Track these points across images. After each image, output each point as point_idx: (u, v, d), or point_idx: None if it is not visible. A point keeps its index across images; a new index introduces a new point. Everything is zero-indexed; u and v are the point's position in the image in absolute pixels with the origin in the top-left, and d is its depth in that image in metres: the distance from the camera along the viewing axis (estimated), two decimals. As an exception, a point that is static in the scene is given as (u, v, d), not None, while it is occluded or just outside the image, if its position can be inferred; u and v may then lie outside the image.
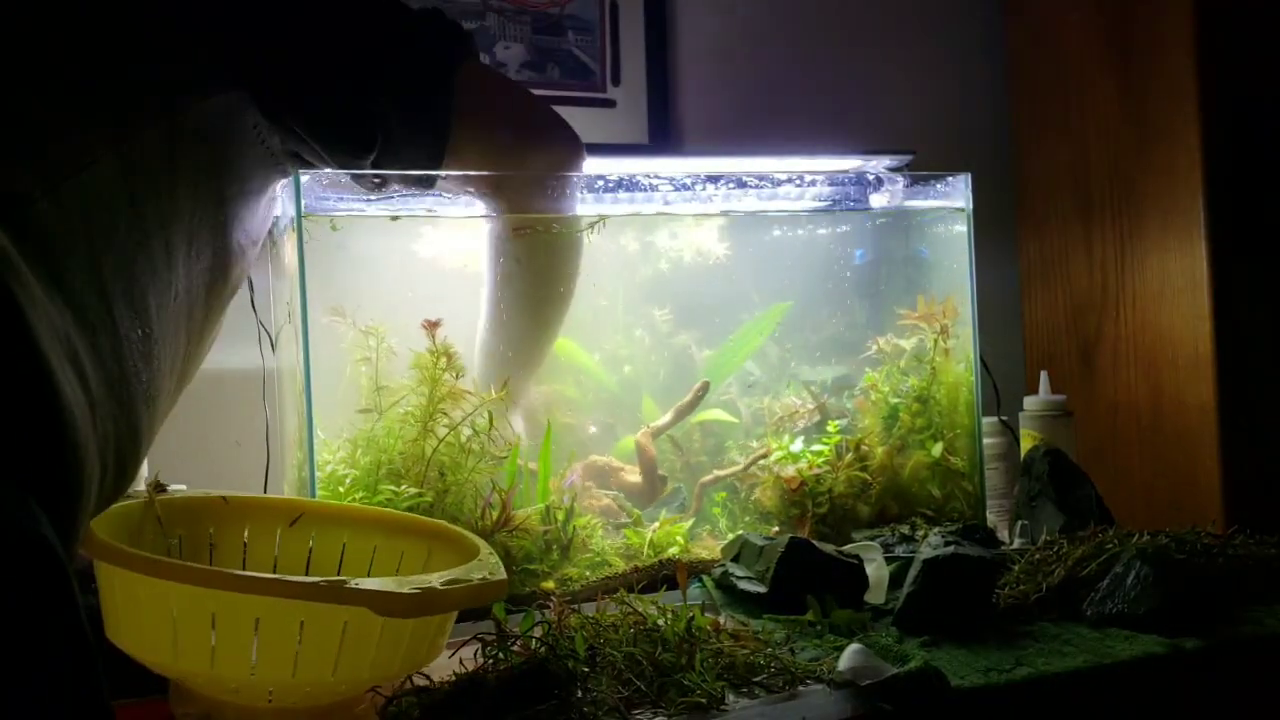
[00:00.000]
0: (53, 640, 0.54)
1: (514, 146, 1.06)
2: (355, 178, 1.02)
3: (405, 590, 0.73)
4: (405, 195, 1.14)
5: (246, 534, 0.94)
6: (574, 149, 1.10)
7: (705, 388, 1.31)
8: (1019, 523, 1.29)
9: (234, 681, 0.76)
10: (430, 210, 1.18)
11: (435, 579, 0.77)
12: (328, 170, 1.08)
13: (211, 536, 0.92)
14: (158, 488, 0.90)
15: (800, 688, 0.86)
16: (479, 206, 1.15)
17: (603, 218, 1.19)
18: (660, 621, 0.92)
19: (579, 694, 0.82)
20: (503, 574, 0.81)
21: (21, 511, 0.55)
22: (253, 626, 0.73)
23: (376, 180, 1.04)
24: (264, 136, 0.88)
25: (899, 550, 1.17)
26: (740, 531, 1.20)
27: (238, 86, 0.83)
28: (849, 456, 1.31)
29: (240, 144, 0.86)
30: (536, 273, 1.16)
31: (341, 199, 1.13)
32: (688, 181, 1.27)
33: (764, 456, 1.30)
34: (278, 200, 1.20)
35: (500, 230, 1.15)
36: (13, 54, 0.68)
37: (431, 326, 1.15)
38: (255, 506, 0.98)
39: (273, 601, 0.74)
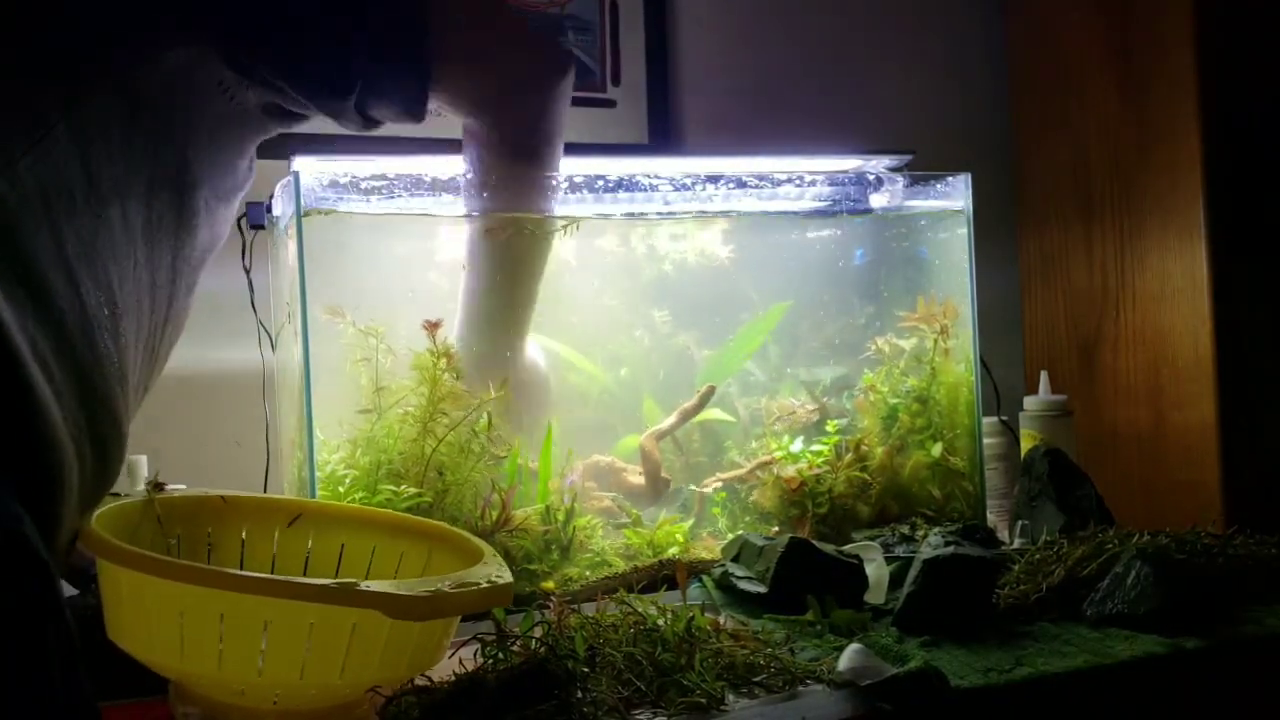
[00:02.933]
0: (37, 641, 0.53)
1: (495, 57, 1.03)
2: (343, 119, 0.95)
3: (417, 593, 0.74)
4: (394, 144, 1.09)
5: (245, 534, 0.94)
6: (559, 55, 1.08)
7: (711, 391, 1.31)
8: (1019, 523, 1.29)
9: (240, 683, 0.76)
10: (426, 211, 1.18)
11: (445, 582, 0.77)
12: (329, 164, 1.07)
13: (210, 536, 0.92)
14: (156, 486, 0.90)
15: (800, 688, 0.86)
16: (470, 204, 1.15)
17: (575, 221, 1.19)
18: (660, 621, 0.92)
19: (579, 694, 0.82)
20: (509, 578, 0.81)
21: (2, 508, 0.54)
22: (261, 628, 0.73)
23: (367, 120, 0.97)
24: (234, 92, 0.84)
25: (899, 550, 1.17)
26: (740, 532, 1.20)
27: (199, 41, 0.79)
28: (849, 457, 1.31)
29: (204, 101, 0.81)
30: (501, 271, 1.16)
31: (342, 198, 1.14)
32: (688, 182, 1.27)
33: (769, 463, 1.30)
34: (277, 199, 1.20)
35: (472, 234, 1.14)
36: None
37: (432, 327, 1.15)
38: (253, 506, 0.97)
39: (283, 603, 0.74)
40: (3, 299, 0.58)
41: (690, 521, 1.27)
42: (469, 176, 1.13)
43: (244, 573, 0.86)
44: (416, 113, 0.96)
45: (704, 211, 1.31)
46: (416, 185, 1.15)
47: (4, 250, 0.60)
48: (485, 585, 0.78)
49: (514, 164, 1.12)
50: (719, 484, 1.31)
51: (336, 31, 0.87)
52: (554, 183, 1.15)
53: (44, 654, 0.53)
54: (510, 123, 1.09)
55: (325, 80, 0.88)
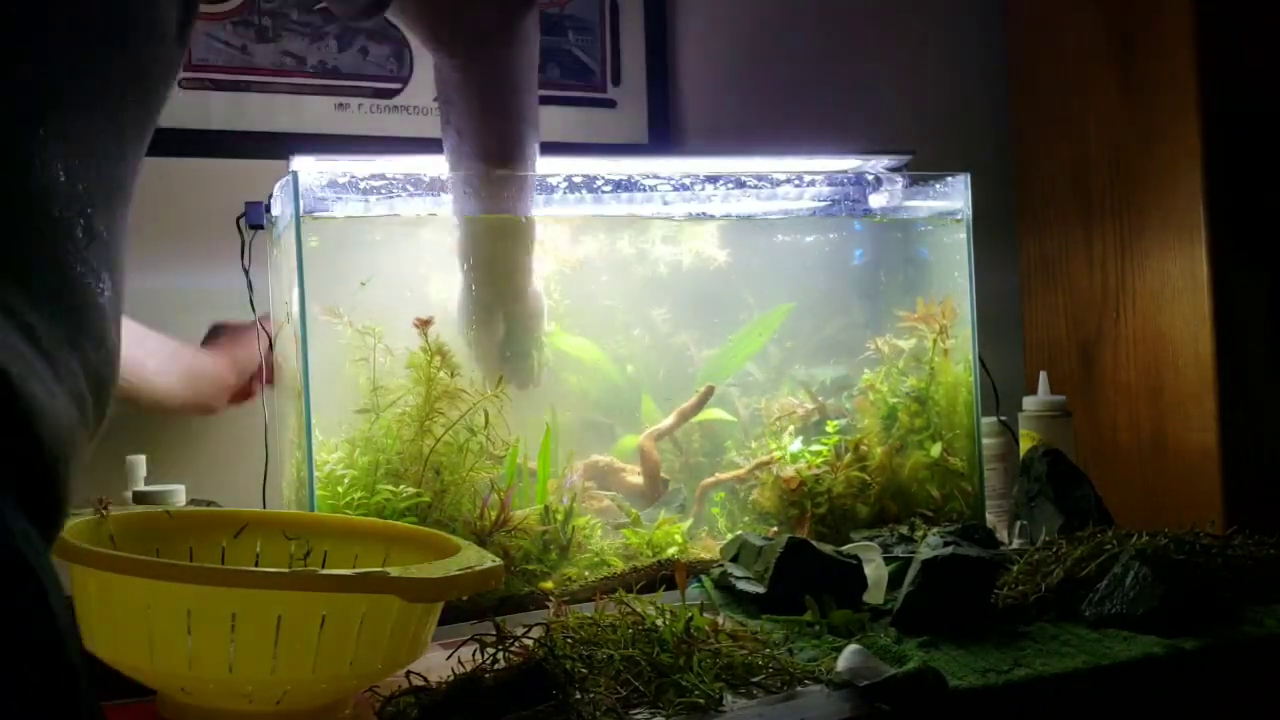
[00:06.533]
0: (40, 679, 0.48)
1: None
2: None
3: (433, 575, 0.76)
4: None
5: (191, 547, 0.94)
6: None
7: (710, 392, 1.31)
8: (1018, 523, 1.29)
9: (251, 684, 0.77)
10: (432, 213, 1.18)
11: (450, 566, 0.79)
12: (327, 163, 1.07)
13: (158, 552, 0.92)
14: (102, 505, 0.89)
15: (798, 688, 0.86)
16: (474, 204, 1.15)
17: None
18: (659, 622, 0.92)
19: (577, 694, 0.82)
20: (499, 560, 0.84)
21: None
22: (275, 624, 0.74)
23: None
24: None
25: (898, 550, 1.17)
26: (739, 532, 1.20)
27: None
28: (848, 457, 1.31)
29: (172, 57, 0.72)
30: (481, 262, 1.16)
31: (340, 199, 1.14)
32: (687, 182, 1.27)
33: (768, 463, 1.30)
34: (276, 199, 1.20)
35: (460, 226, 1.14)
36: None
37: (423, 324, 1.14)
38: (199, 520, 0.98)
39: (295, 597, 0.74)
40: None
41: (689, 522, 1.27)
42: (447, 147, 1.13)
43: (260, 569, 0.87)
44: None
45: (704, 214, 1.31)
46: (416, 185, 1.16)
47: None
48: (482, 567, 0.80)
49: (484, 116, 1.11)
50: (715, 482, 1.31)
51: None
52: (533, 142, 1.15)
53: (49, 692, 0.49)
54: (471, 58, 1.07)
55: None
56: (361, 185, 1.14)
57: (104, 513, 0.87)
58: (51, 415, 0.55)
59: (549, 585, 1.11)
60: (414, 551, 0.93)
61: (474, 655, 0.86)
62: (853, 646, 0.88)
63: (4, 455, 0.51)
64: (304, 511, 1.07)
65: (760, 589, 1.06)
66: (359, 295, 1.15)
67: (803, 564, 1.05)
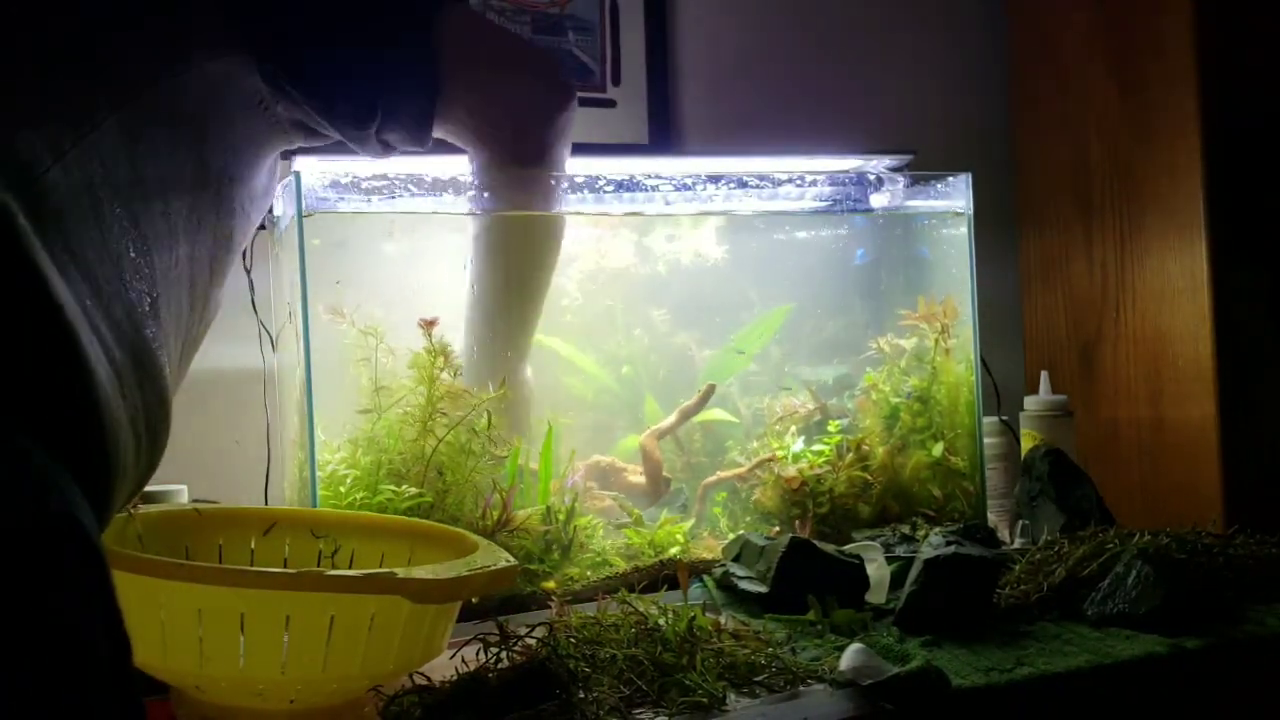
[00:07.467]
0: (90, 647, 0.51)
1: (499, 88, 1.06)
2: (361, 147, 1.00)
3: (440, 576, 0.76)
4: (406, 153, 1.13)
5: (221, 544, 0.94)
6: (561, 88, 1.09)
7: (711, 391, 1.31)
8: (1020, 522, 1.29)
9: (262, 683, 0.77)
10: (434, 210, 1.18)
11: (461, 567, 0.80)
12: (329, 163, 1.08)
13: (187, 550, 0.92)
14: (131, 504, 0.89)
15: (801, 687, 0.86)
16: (474, 204, 1.15)
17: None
18: (661, 621, 0.92)
19: (580, 694, 0.82)
20: (513, 560, 0.84)
21: (51, 486, 0.52)
22: (282, 625, 0.74)
23: (384, 146, 1.04)
24: (267, 104, 0.87)
25: (900, 550, 1.17)
26: (741, 531, 1.20)
27: (238, 52, 0.82)
28: (850, 456, 1.31)
29: (242, 110, 0.84)
30: (506, 263, 1.17)
31: (343, 198, 1.13)
32: (688, 182, 1.27)
33: (770, 461, 1.30)
34: (279, 199, 1.20)
35: (476, 228, 1.15)
36: (3, 22, 0.66)
37: (428, 325, 1.14)
38: (227, 517, 0.98)
39: (305, 597, 0.75)
40: (61, 280, 0.58)
41: (691, 521, 1.27)
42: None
43: (269, 569, 0.87)
44: (422, 138, 1.00)
45: (706, 212, 1.31)
46: (417, 185, 1.16)
47: (58, 235, 0.60)
48: (492, 568, 0.81)
49: (515, 195, 1.15)
50: (717, 480, 1.31)
51: (365, 68, 0.93)
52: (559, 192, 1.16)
53: (98, 659, 0.51)
54: (512, 156, 1.11)
55: (352, 115, 0.94)
56: (363, 185, 1.14)
57: (132, 511, 0.87)
58: (116, 413, 0.60)
59: (551, 585, 1.11)
60: (439, 549, 0.93)
61: (477, 655, 0.86)
62: (855, 645, 0.88)
63: (68, 427, 0.55)
64: (332, 509, 1.07)
65: (762, 588, 1.06)
66: (362, 295, 1.15)
67: (805, 564, 1.05)
